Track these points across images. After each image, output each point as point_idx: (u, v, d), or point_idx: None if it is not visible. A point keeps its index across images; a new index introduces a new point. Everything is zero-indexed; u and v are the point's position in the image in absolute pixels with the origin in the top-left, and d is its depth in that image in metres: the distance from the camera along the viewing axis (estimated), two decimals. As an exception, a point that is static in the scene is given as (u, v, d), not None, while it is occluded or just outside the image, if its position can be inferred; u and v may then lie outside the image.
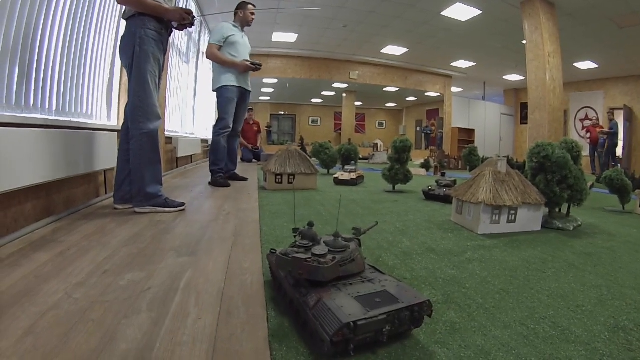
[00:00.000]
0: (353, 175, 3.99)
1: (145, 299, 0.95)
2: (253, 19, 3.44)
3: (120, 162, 2.07)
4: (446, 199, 2.89)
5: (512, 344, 0.85)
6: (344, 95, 13.69)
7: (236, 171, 3.66)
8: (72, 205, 2.01)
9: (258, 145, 7.47)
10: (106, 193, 2.47)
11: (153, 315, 0.86)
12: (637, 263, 1.53)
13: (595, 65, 9.10)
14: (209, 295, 0.99)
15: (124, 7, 1.98)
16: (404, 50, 9.40)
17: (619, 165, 8.16)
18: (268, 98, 15.37)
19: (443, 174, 3.82)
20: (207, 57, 3.33)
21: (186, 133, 5.74)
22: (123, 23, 2.09)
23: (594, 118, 9.53)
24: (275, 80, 11.53)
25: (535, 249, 1.69)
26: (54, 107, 2.04)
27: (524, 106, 11.93)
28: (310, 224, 0.97)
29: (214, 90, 3.34)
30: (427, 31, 7.76)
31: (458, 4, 6.23)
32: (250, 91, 3.46)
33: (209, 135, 6.18)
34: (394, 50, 9.42)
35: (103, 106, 2.71)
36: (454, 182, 3.23)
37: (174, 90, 4.94)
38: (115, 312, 0.87)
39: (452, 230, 1.99)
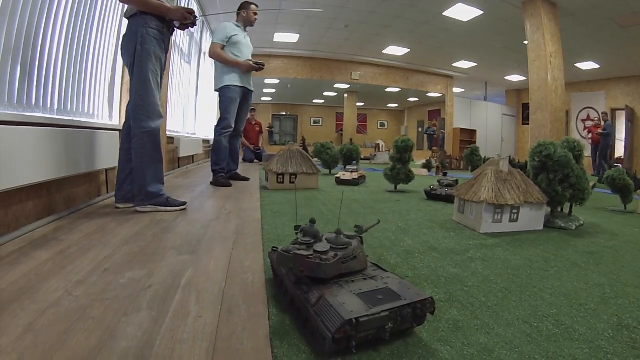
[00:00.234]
0: (355, 175, 3.99)
1: (145, 297, 0.94)
2: (255, 19, 3.44)
3: (122, 161, 2.07)
4: (448, 199, 2.88)
5: (515, 341, 0.84)
6: (346, 95, 13.69)
7: (238, 171, 3.66)
8: (73, 204, 2.01)
9: (259, 145, 7.48)
10: (107, 192, 2.47)
11: (153, 313, 0.86)
12: (639, 262, 1.52)
13: (597, 65, 9.08)
14: (210, 293, 0.99)
15: (125, 6, 1.98)
16: (405, 50, 9.39)
17: (607, 167, 8.18)
18: (269, 98, 15.37)
19: (445, 174, 3.81)
20: (210, 56, 3.32)
21: (188, 133, 5.75)
22: (124, 22, 2.09)
23: (596, 118, 9.51)
24: (276, 81, 11.54)
25: (537, 247, 1.69)
26: (55, 106, 2.04)
27: (525, 106, 11.91)
28: (312, 221, 0.97)
29: (216, 90, 3.34)
30: (428, 31, 7.75)
31: (459, 4, 6.22)
32: (252, 91, 3.46)
33: (210, 135, 6.20)
34: (395, 50, 9.42)
35: (104, 105, 2.71)
36: (456, 181, 3.22)
37: (175, 90, 4.94)
38: (115, 309, 0.87)
39: (454, 229, 1.98)
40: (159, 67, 2.00)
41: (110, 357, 0.68)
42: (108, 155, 2.29)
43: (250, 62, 3.29)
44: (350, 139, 11.76)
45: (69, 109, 2.19)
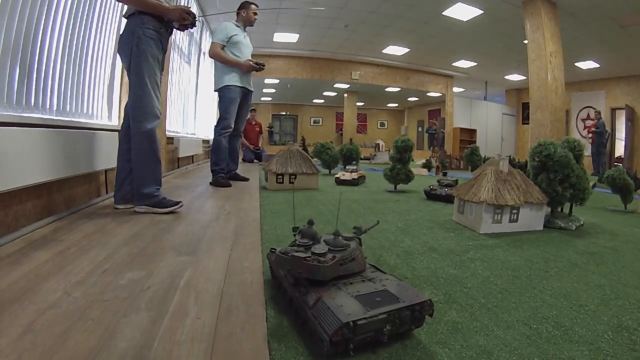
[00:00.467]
0: (354, 175, 3.98)
1: (144, 298, 0.94)
2: (255, 19, 3.44)
3: (121, 162, 2.07)
4: (448, 199, 2.88)
5: (515, 343, 0.84)
6: (346, 95, 13.68)
7: (237, 171, 3.65)
8: (73, 205, 2.01)
9: (260, 145, 7.49)
10: (107, 193, 2.47)
11: (152, 314, 0.86)
12: (640, 263, 1.52)
13: (597, 65, 9.06)
14: (209, 294, 0.98)
15: (125, 6, 1.97)
16: (406, 50, 9.38)
17: (605, 165, 8.23)
18: (270, 99, 15.37)
19: (445, 174, 3.81)
20: (211, 56, 3.32)
21: (187, 133, 5.75)
22: (124, 22, 2.08)
23: (602, 118, 9.49)
24: (276, 81, 11.53)
25: (537, 248, 1.68)
26: (55, 107, 2.04)
27: (525, 106, 11.90)
28: (310, 222, 0.96)
29: (216, 90, 3.34)
30: (428, 31, 7.74)
31: (459, 3, 6.21)
32: (252, 91, 3.45)
33: (210, 135, 6.19)
34: (396, 50, 9.41)
35: (104, 106, 2.71)
36: (456, 181, 3.22)
37: (175, 90, 4.94)
38: (114, 310, 0.87)
39: (454, 230, 1.98)
40: (157, 68, 1.99)
41: (109, 358, 0.68)
42: (108, 156, 2.29)
43: (251, 63, 3.28)
44: (350, 139, 11.76)
45: (68, 110, 2.19)
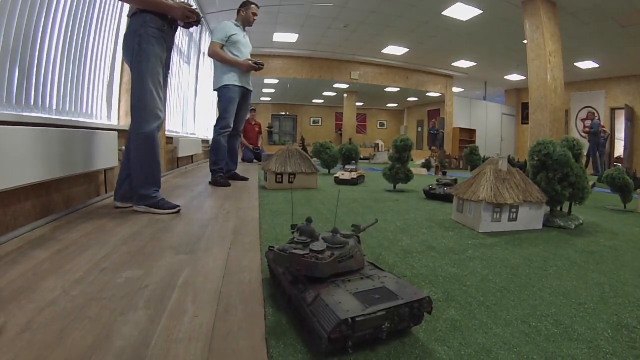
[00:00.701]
0: (354, 175, 3.98)
1: (142, 297, 0.94)
2: (255, 19, 3.44)
3: (124, 160, 2.06)
4: (447, 198, 2.87)
5: (514, 341, 0.83)
6: (345, 95, 13.67)
7: (237, 171, 3.65)
8: (72, 204, 2.01)
9: (259, 145, 7.49)
10: (106, 192, 2.46)
11: (149, 312, 0.86)
12: (639, 261, 1.52)
13: (597, 65, 9.07)
14: (207, 292, 0.98)
15: (129, 6, 1.96)
16: (405, 50, 9.39)
17: (602, 168, 8.29)
18: (269, 98, 15.36)
19: (444, 173, 3.81)
20: (210, 56, 3.31)
21: (187, 133, 5.74)
22: (124, 21, 2.09)
23: (595, 118, 9.51)
24: (276, 81, 11.53)
25: (536, 247, 1.68)
26: (54, 106, 2.04)
27: (525, 106, 11.91)
28: (309, 220, 0.96)
29: (215, 89, 3.34)
30: (427, 31, 7.75)
31: (458, 3, 6.22)
32: (251, 90, 3.45)
33: (209, 135, 6.19)
34: (395, 50, 9.41)
35: (103, 105, 2.71)
36: (455, 180, 3.22)
37: (174, 90, 4.94)
38: (112, 309, 0.86)
39: (453, 229, 1.98)
40: (160, 67, 1.96)
41: (106, 356, 0.68)
42: (107, 155, 2.29)
43: (250, 62, 3.28)
44: (350, 139, 11.76)
45: (67, 109, 2.18)
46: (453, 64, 10.49)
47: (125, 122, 2.83)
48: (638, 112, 9.58)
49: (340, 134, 15.38)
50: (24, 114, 1.73)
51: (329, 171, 5.34)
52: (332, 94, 14.17)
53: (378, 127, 18.35)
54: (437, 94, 12.39)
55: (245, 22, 3.40)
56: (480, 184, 1.99)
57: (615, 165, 8.65)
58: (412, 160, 3.60)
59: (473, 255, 1.52)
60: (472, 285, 1.18)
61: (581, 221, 2.19)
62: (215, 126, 3.28)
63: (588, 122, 9.87)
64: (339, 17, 7.17)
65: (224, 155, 3.34)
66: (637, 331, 0.90)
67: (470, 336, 0.85)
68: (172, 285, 1.02)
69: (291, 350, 0.76)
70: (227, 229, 1.70)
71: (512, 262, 1.44)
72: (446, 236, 1.82)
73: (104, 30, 2.60)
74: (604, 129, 8.92)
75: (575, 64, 8.90)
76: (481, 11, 6.47)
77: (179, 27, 2.10)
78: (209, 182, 3.24)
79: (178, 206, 2.01)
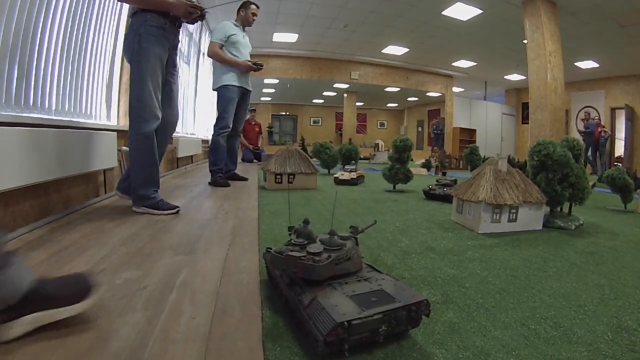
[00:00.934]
0: (353, 175, 3.98)
1: (140, 298, 0.94)
2: (254, 19, 3.44)
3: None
4: (447, 198, 2.87)
5: (513, 344, 0.83)
6: (345, 95, 13.67)
7: (236, 171, 3.65)
8: (71, 205, 2.01)
9: (259, 145, 7.49)
10: (106, 193, 2.46)
11: (147, 313, 0.85)
12: (639, 262, 1.51)
13: (597, 65, 9.06)
14: (205, 294, 0.98)
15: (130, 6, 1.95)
16: (405, 50, 9.38)
17: (602, 168, 8.30)
18: (269, 99, 15.36)
19: (444, 174, 3.81)
20: (209, 56, 3.31)
21: (187, 133, 5.74)
22: (123, 21, 2.08)
23: (596, 118, 9.50)
24: (276, 81, 11.53)
25: (536, 248, 1.68)
26: (53, 107, 2.03)
27: (525, 106, 11.90)
28: (306, 222, 0.96)
29: (214, 89, 3.33)
30: (427, 31, 7.74)
31: (459, 3, 6.21)
32: (250, 91, 3.45)
33: (209, 135, 6.18)
34: (395, 50, 9.41)
35: (102, 106, 2.70)
36: (455, 181, 3.21)
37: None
38: (110, 310, 0.86)
39: (453, 230, 1.97)
40: (159, 67, 1.93)
41: (103, 358, 0.68)
42: (106, 156, 2.28)
43: (249, 63, 3.28)
44: (350, 139, 11.75)
45: (66, 109, 2.18)
46: (453, 64, 10.48)
47: (124, 123, 2.82)
48: (638, 112, 9.57)
49: (341, 134, 15.37)
50: (23, 114, 1.73)
51: (328, 171, 5.34)
52: (332, 94, 14.16)
53: (378, 127, 18.35)
54: (438, 94, 12.38)
55: (244, 22, 3.40)
56: (480, 185, 1.99)
57: (615, 165, 8.64)
58: (412, 160, 3.59)
59: (472, 256, 1.51)
60: (471, 287, 1.18)
61: (581, 222, 2.19)
62: (214, 126, 3.28)
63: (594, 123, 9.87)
64: (338, 17, 7.17)
65: (224, 156, 3.34)
66: (638, 334, 0.90)
67: (468, 339, 0.85)
68: (171, 286, 1.01)
69: (288, 353, 0.76)
70: (226, 229, 1.69)
71: (512, 263, 1.44)
72: (445, 237, 1.81)
73: (104, 30, 2.60)
74: (604, 129, 8.90)
75: (575, 64, 8.89)
76: (481, 11, 6.46)
77: (182, 25, 2.08)
78: (209, 182, 3.23)
79: (177, 207, 2.00)
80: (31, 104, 1.83)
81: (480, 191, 1.94)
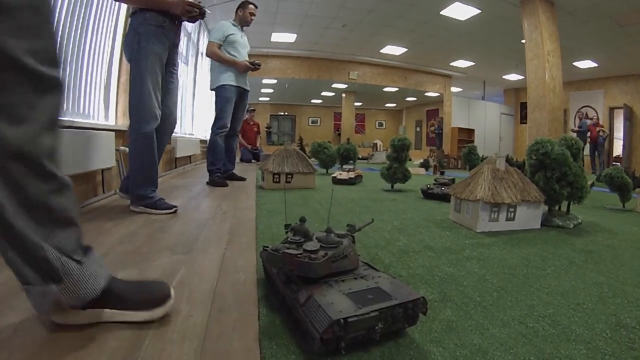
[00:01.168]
0: (351, 175, 3.98)
1: (136, 297, 0.93)
2: (252, 19, 3.43)
3: None
4: (445, 197, 2.87)
5: (511, 342, 0.83)
6: (344, 95, 13.68)
7: (235, 171, 3.64)
8: (68, 205, 1.99)
9: (257, 145, 7.49)
10: (104, 192, 2.45)
11: (143, 313, 0.85)
12: (638, 260, 1.51)
13: (595, 64, 9.09)
14: (201, 293, 0.97)
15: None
16: (403, 50, 9.39)
17: (601, 167, 8.33)
18: (268, 99, 15.37)
19: (442, 173, 3.81)
20: (207, 55, 3.30)
21: (185, 133, 5.73)
22: (121, 21, 2.07)
23: (594, 117, 9.52)
24: (274, 81, 11.53)
25: (534, 246, 1.67)
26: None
27: (523, 106, 11.91)
28: (302, 220, 0.95)
29: (212, 89, 3.33)
30: (426, 31, 7.75)
31: (457, 3, 6.22)
32: (248, 91, 3.44)
33: (208, 135, 6.17)
34: (394, 50, 9.41)
35: (101, 106, 2.69)
36: (453, 180, 3.21)
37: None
38: (105, 310, 0.85)
39: (451, 229, 1.97)
40: (159, 66, 1.92)
41: (99, 356, 0.67)
42: (104, 155, 2.27)
43: (247, 63, 3.27)
44: (348, 139, 11.75)
45: (64, 109, 2.17)
46: (452, 63, 10.49)
47: (122, 123, 2.82)
48: (637, 111, 9.59)
49: (339, 134, 15.38)
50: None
51: (327, 171, 5.33)
52: (331, 94, 14.17)
53: (377, 127, 18.36)
54: (436, 94, 12.40)
55: (243, 22, 3.39)
56: (477, 184, 1.98)
57: (614, 164, 8.66)
58: (410, 160, 3.59)
59: (470, 255, 1.51)
60: (469, 285, 1.17)
61: (580, 220, 2.18)
62: (212, 126, 3.28)
63: (587, 122, 9.88)
64: (337, 17, 7.17)
65: (222, 156, 3.33)
66: (636, 332, 0.89)
67: (466, 337, 0.84)
68: (167, 286, 1.01)
69: (284, 351, 0.75)
70: (224, 229, 1.69)
71: (510, 262, 1.44)
72: (443, 236, 1.81)
73: (102, 30, 2.59)
74: (602, 128, 8.91)
75: (573, 63, 8.91)
76: (480, 11, 6.47)
77: (182, 23, 2.07)
78: (207, 182, 3.23)
79: (175, 207, 1.99)
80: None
81: (478, 190, 1.94)
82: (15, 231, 0.65)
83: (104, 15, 2.60)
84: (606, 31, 6.75)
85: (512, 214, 1.97)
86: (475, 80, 12.23)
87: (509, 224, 1.97)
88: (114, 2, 2.61)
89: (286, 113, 17.24)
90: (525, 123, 6.60)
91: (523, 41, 5.84)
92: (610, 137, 9.82)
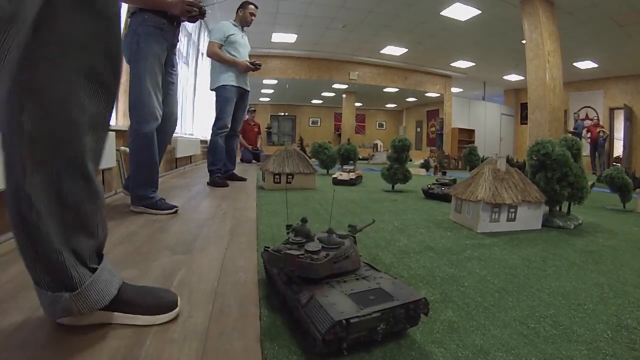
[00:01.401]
0: (352, 175, 3.97)
1: (136, 297, 0.93)
2: (252, 19, 3.43)
3: None
4: (445, 198, 2.87)
5: (512, 343, 0.82)
6: (344, 96, 13.67)
7: (235, 171, 3.64)
8: (68, 205, 1.99)
9: (258, 146, 7.49)
10: (104, 192, 2.45)
11: (144, 313, 0.84)
12: (639, 261, 1.51)
13: (595, 65, 9.08)
14: (202, 293, 0.97)
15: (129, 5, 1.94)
16: (404, 50, 9.39)
17: (601, 168, 8.33)
18: (268, 99, 15.37)
19: (444, 173, 3.81)
20: (208, 56, 3.30)
21: (185, 134, 5.73)
22: (121, 20, 2.04)
23: (594, 118, 9.52)
24: (275, 81, 11.53)
25: (535, 247, 1.67)
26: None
27: (524, 106, 11.91)
28: (304, 220, 0.95)
29: (212, 89, 3.33)
30: (426, 31, 7.75)
31: (457, 3, 6.22)
32: (248, 91, 3.44)
33: (208, 136, 6.18)
34: (394, 50, 9.42)
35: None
36: (454, 180, 3.21)
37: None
38: (106, 310, 0.85)
39: (451, 229, 1.97)
40: (158, 67, 1.92)
41: (100, 356, 0.67)
42: (105, 156, 2.26)
43: (247, 63, 3.27)
44: (348, 139, 11.75)
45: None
46: (452, 64, 10.49)
47: (123, 123, 2.82)
48: (637, 112, 9.59)
49: (339, 135, 15.37)
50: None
51: (327, 172, 5.33)
52: (331, 94, 14.17)
53: (377, 127, 18.35)
54: (436, 95, 12.39)
55: (243, 22, 3.39)
56: (478, 184, 1.98)
57: (614, 165, 8.66)
58: (410, 160, 3.59)
59: (471, 255, 1.51)
60: (470, 286, 1.17)
61: (580, 221, 2.18)
62: (212, 127, 3.28)
63: (588, 123, 9.88)
64: (337, 17, 7.18)
65: (222, 156, 3.33)
66: (637, 332, 0.89)
67: (467, 338, 0.84)
68: (168, 286, 1.00)
69: (286, 352, 0.75)
70: (224, 229, 1.69)
71: (511, 262, 1.44)
72: (444, 236, 1.81)
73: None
74: (602, 129, 8.92)
75: (574, 63, 8.91)
76: (480, 11, 6.48)
77: (181, 24, 2.07)
78: (207, 182, 3.23)
79: (175, 207, 1.99)
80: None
81: (479, 190, 1.94)
82: (40, 236, 0.66)
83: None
84: (606, 31, 6.75)
85: (513, 214, 1.97)
86: (476, 81, 12.23)
87: (509, 225, 1.97)
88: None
89: (286, 113, 17.24)
90: (526, 123, 6.61)
91: (523, 41, 5.84)
92: (611, 138, 9.82)
